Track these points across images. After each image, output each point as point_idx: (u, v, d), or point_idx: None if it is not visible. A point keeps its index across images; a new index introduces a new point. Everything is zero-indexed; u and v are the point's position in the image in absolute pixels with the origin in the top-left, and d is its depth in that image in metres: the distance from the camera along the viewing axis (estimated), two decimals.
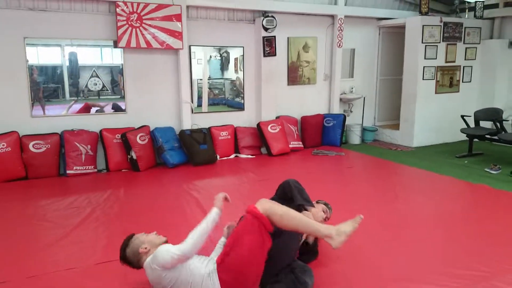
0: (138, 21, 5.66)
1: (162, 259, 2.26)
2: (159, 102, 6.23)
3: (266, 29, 6.54)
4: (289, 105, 7.26)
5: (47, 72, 5.53)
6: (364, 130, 7.87)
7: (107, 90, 5.90)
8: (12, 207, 4.23)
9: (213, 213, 2.51)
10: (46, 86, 5.53)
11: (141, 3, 5.64)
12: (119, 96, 5.98)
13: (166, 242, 2.47)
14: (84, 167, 5.52)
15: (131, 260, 2.44)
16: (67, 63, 5.61)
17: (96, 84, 5.81)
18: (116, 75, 5.93)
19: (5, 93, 5.29)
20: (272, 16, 6.53)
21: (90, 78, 5.77)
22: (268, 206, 2.33)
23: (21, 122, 5.38)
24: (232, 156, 6.53)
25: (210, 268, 2.32)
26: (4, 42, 5.21)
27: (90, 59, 5.74)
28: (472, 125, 6.63)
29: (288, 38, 7.04)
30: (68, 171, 5.42)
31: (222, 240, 2.75)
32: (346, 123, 7.50)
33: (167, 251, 2.27)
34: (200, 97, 6.50)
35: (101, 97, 5.87)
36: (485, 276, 2.75)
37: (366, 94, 7.96)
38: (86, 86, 5.76)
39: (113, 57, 5.89)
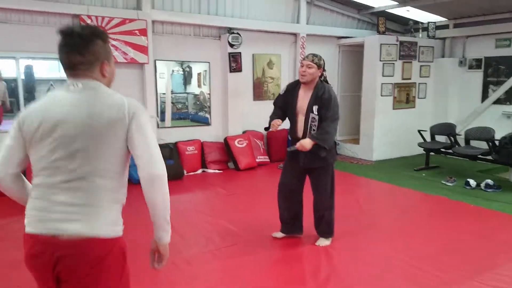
0: None
1: None
2: None
3: (231, 45, 6.63)
4: (255, 120, 7.33)
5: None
6: None
7: None
8: None
9: None
10: None
11: (106, 17, 5.58)
12: None
13: None
14: None
15: None
16: (22, 77, 5.40)
17: None
18: None
19: None
20: (238, 33, 6.64)
21: (47, 92, 5.57)
22: None
23: None
24: (199, 171, 6.50)
25: None
26: None
27: (47, 72, 5.55)
28: (428, 139, 6.98)
29: (253, 54, 7.16)
30: None
31: None
32: None
33: None
34: (163, 112, 6.45)
35: None
36: (445, 283, 2.90)
37: None
38: None
39: None
